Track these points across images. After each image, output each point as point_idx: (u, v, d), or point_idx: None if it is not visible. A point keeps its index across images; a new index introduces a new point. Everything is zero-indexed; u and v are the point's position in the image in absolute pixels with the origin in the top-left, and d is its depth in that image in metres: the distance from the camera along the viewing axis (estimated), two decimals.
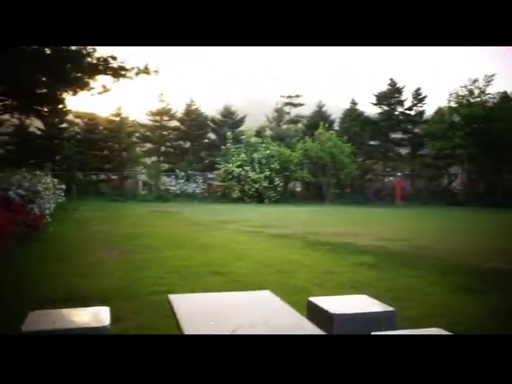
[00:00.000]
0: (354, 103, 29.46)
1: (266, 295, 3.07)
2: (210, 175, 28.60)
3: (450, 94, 26.32)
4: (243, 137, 25.98)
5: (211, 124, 31.66)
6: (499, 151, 24.56)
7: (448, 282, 5.45)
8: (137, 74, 14.42)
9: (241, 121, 31.92)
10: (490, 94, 25.67)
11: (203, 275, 5.76)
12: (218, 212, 16.85)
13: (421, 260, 7.05)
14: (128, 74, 14.29)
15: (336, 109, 32.47)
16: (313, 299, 2.99)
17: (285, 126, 31.55)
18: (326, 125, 26.25)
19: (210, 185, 27.87)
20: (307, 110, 32.43)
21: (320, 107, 31.26)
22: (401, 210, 20.23)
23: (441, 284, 5.38)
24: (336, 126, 29.19)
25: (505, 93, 27.13)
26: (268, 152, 24.94)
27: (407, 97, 29.06)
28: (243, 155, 24.84)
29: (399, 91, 29.04)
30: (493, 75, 25.43)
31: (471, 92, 25.65)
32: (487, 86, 25.49)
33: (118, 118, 28.21)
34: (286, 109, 32.81)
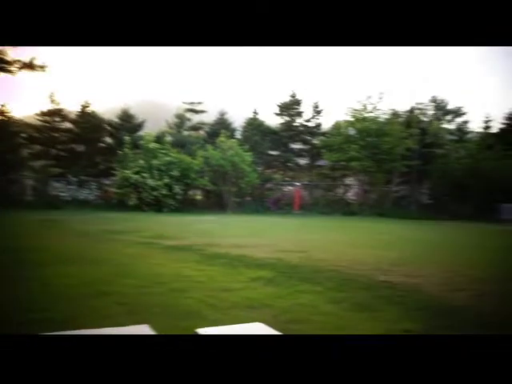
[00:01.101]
0: (255, 112, 29.70)
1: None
2: (106, 181, 27.08)
3: (347, 108, 27.60)
4: (142, 142, 24.95)
5: (108, 127, 30.05)
6: (389, 164, 26.08)
7: (344, 299, 5.28)
8: (20, 68, 13.04)
9: (140, 125, 30.71)
10: (381, 109, 27.30)
11: (84, 296, 5.06)
12: (110, 221, 15.81)
13: (318, 274, 6.89)
14: (9, 67, 12.86)
15: (238, 117, 32.55)
16: (201, 331, 2.57)
17: (186, 133, 30.93)
18: (228, 133, 26.11)
19: (105, 191, 26.37)
20: (209, 118, 32.12)
21: (222, 115, 31.10)
22: (299, 219, 20.55)
23: (337, 301, 5.20)
24: (238, 135, 29.19)
25: (394, 109, 29.03)
26: (168, 159, 24.17)
27: (306, 109, 29.95)
28: (141, 161, 23.82)
29: (299, 103, 29.80)
30: (384, 92, 27.07)
31: (365, 107, 27.05)
32: (379, 102, 27.07)
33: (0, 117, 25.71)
34: (188, 115, 32.23)
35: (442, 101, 47.98)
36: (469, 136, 36.88)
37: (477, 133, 33.61)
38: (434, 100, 48.23)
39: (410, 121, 28.81)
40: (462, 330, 4.13)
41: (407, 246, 11.19)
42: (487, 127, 33.54)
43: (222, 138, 25.19)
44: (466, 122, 45.22)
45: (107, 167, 27.32)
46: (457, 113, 47.62)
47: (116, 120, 30.46)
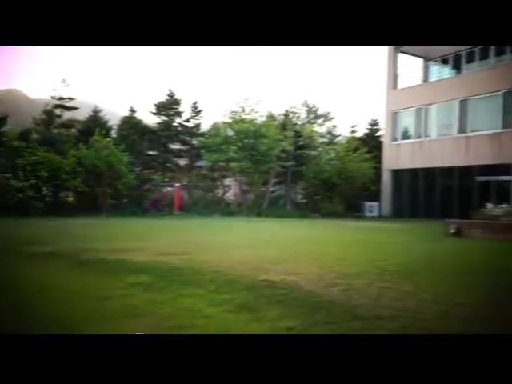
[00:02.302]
0: (132, 111, 28.70)
1: None
2: None
3: (225, 110, 27.95)
4: (4, 139, 22.72)
5: None
6: (266, 165, 26.94)
7: (227, 300, 5.27)
8: None
9: (1, 121, 27.85)
10: (258, 112, 28.11)
11: None
12: None
13: (200, 276, 6.81)
14: None
15: (113, 115, 31.14)
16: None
17: (55, 130, 28.82)
18: (103, 131, 24.86)
19: None
20: (81, 115, 30.24)
21: (96, 112, 29.49)
22: (179, 220, 20.27)
23: (220, 303, 5.17)
24: (113, 134, 27.95)
25: (270, 112, 30.07)
26: (34, 158, 22.30)
27: (185, 108, 29.70)
28: (4, 160, 21.70)
29: (178, 102, 29.44)
30: (261, 95, 27.86)
31: (243, 109, 27.62)
32: (256, 104, 27.85)
33: None
34: (57, 111, 30.04)
35: (314, 105, 51.01)
36: (338, 139, 39.62)
37: (345, 136, 36.20)
38: (306, 104, 51.02)
39: (285, 123, 30.07)
40: (337, 325, 4.33)
41: (285, 244, 11.59)
42: (353, 131, 36.31)
43: (96, 137, 23.91)
44: (335, 126, 48.66)
45: None
46: (326, 117, 50.93)
47: None
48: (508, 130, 19.74)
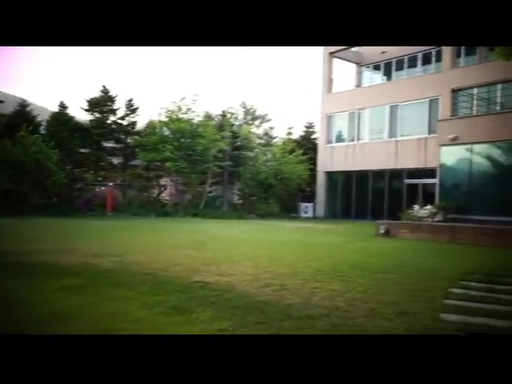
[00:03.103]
0: (63, 106, 27.52)
1: None
2: None
3: (161, 108, 27.48)
4: None
5: None
6: (203, 165, 26.77)
7: (158, 303, 5.16)
8: None
9: None
10: (195, 111, 27.86)
11: None
12: None
13: (131, 278, 6.64)
14: None
15: (42, 111, 29.72)
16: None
17: None
18: (30, 127, 23.63)
19: None
20: (7, 109, 28.56)
21: (23, 106, 27.99)
22: (112, 221, 19.67)
23: (151, 305, 5.05)
24: (42, 130, 26.66)
25: (207, 112, 29.93)
26: None
27: (120, 106, 28.86)
28: None
29: (112, 99, 28.57)
30: (198, 95, 27.69)
31: (180, 108, 27.27)
32: (193, 103, 27.57)
33: None
34: None
35: (252, 106, 51.40)
36: (275, 140, 40.16)
37: (281, 138, 36.74)
38: (243, 105, 51.31)
39: (222, 124, 30.03)
40: (269, 325, 4.36)
41: (220, 245, 11.55)
42: (289, 133, 36.92)
43: (23, 133, 22.68)
44: (272, 128, 49.31)
45: None
46: (264, 118, 51.50)
47: None
48: (433, 135, 20.82)
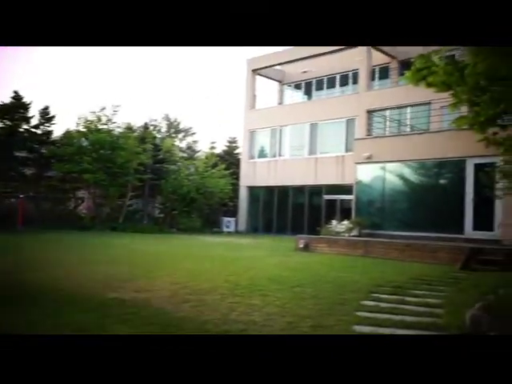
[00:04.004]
0: None
1: None
2: None
3: (79, 118, 26.44)
4: None
5: None
6: (123, 178, 26.02)
7: (69, 322, 4.90)
8: None
9: None
10: (116, 122, 27.10)
11: None
12: None
13: (42, 295, 6.27)
14: None
15: None
16: None
17: None
18: None
19: None
20: None
21: None
22: (23, 236, 18.50)
23: (61, 325, 4.79)
24: None
25: (129, 123, 29.23)
26: None
27: (34, 114, 27.36)
28: None
29: (25, 106, 27.03)
30: (119, 105, 26.97)
31: (99, 119, 26.41)
32: (114, 114, 26.81)
33: None
34: None
35: (175, 119, 50.98)
36: (198, 154, 40.04)
37: (204, 152, 36.70)
38: (167, 118, 50.76)
39: (144, 136, 29.42)
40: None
41: (139, 260, 11.25)
42: (213, 148, 37.00)
43: None
44: (195, 142, 49.15)
45: None
46: (187, 132, 51.23)
47: None
48: (350, 153, 21.76)
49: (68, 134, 26.75)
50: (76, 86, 71.18)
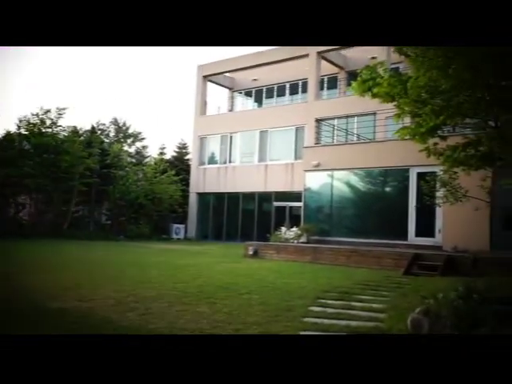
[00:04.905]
0: None
1: None
2: None
3: (21, 121, 25.39)
4: None
5: None
6: (67, 183, 25.16)
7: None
8: None
9: None
10: (61, 126, 26.18)
11: None
12: None
13: None
14: None
15: None
16: None
17: None
18: None
19: None
20: None
21: None
22: None
23: None
24: None
25: (75, 127, 28.35)
26: None
27: None
28: None
29: None
30: (64, 108, 26.05)
31: (43, 121, 25.46)
32: (59, 118, 25.89)
33: None
34: None
35: (124, 124, 49.95)
36: (147, 160, 39.37)
37: (154, 158, 36.14)
38: (115, 122, 49.67)
39: (91, 140, 28.58)
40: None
41: (82, 267, 10.89)
42: (162, 153, 36.53)
43: None
44: (145, 147, 48.30)
45: None
46: (137, 137, 50.31)
47: None
48: (299, 161, 22.07)
49: (8, 137, 25.60)
50: (19, 87, 68.33)
